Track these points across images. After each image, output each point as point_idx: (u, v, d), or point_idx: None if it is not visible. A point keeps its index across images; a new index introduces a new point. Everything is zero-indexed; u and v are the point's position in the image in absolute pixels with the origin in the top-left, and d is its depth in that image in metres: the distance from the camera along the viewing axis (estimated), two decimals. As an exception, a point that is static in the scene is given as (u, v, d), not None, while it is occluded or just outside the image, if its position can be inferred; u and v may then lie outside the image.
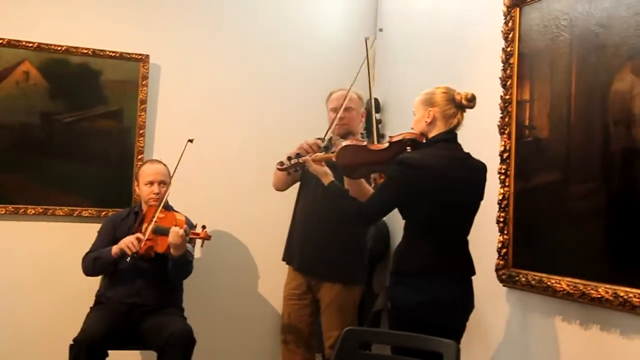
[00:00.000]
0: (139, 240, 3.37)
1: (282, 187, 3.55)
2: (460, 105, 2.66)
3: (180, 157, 3.45)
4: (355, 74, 3.30)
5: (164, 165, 3.69)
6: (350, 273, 3.42)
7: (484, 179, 2.76)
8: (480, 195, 2.74)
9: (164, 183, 3.61)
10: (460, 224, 2.70)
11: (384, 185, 2.70)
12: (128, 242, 3.37)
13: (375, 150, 2.81)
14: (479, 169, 2.75)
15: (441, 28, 3.84)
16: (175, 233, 3.27)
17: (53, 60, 3.94)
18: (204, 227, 3.33)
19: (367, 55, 3.27)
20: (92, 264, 3.50)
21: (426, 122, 2.69)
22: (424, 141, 2.71)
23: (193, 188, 4.11)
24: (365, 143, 2.88)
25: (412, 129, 2.78)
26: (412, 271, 2.61)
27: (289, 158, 3.07)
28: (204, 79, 4.28)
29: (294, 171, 3.15)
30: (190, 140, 3.42)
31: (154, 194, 3.57)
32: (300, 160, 3.00)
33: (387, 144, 2.78)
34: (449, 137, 2.68)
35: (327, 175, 2.85)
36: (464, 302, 2.69)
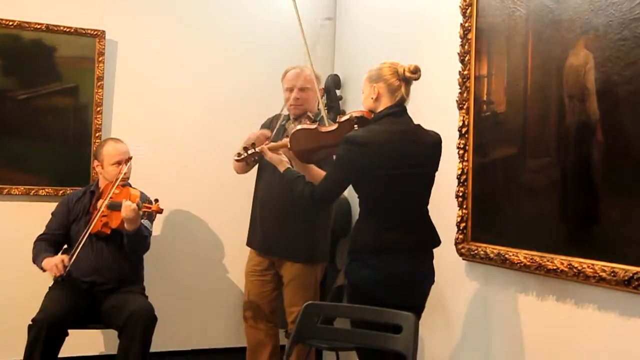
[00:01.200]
0: (63, 263, 3.30)
1: (242, 172, 3.54)
2: (404, 77, 2.65)
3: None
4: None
5: (124, 143, 3.66)
6: (311, 252, 3.43)
7: (437, 150, 2.73)
8: (433, 167, 2.72)
9: (129, 160, 3.60)
10: (412, 198, 2.66)
11: (333, 165, 2.69)
12: (52, 265, 3.31)
13: (325, 133, 2.81)
14: (431, 141, 2.71)
15: (400, 3, 3.84)
16: (128, 207, 3.25)
17: (5, 35, 3.84)
18: (156, 200, 3.33)
19: (297, 13, 3.18)
20: (33, 260, 3.49)
21: (372, 98, 2.68)
22: (371, 117, 2.70)
23: (154, 165, 4.08)
24: (315, 126, 2.88)
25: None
26: (365, 249, 2.61)
27: (245, 149, 3.09)
28: (161, 55, 4.23)
29: (252, 161, 3.18)
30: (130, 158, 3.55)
31: (122, 172, 3.55)
32: (257, 149, 3.03)
33: (336, 125, 2.78)
34: (396, 110, 2.65)
35: (282, 163, 2.85)
36: (420, 279, 2.67)
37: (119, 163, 3.56)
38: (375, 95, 2.66)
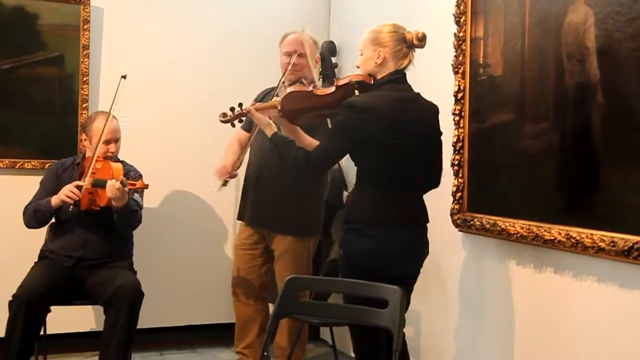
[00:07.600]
0: (78, 187, 3.23)
1: (240, 155, 3.38)
2: (411, 45, 2.56)
3: (116, 94, 3.29)
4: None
5: (116, 119, 3.50)
6: (302, 225, 3.32)
7: (437, 121, 2.64)
8: (434, 138, 2.63)
9: (119, 139, 3.48)
10: (413, 168, 2.54)
11: (332, 131, 2.58)
12: (67, 192, 3.23)
13: (321, 95, 2.70)
14: (430, 111, 2.63)
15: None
16: (112, 186, 3.12)
17: (-16, 3, 3.72)
18: (140, 176, 3.22)
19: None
20: (32, 217, 3.36)
21: (376, 62, 2.56)
22: (372, 82, 2.58)
23: (142, 137, 3.98)
24: (310, 88, 2.76)
25: (357, 67, 2.65)
26: (362, 220, 2.50)
27: (232, 109, 2.94)
28: (149, 22, 4.10)
29: (239, 122, 3.04)
30: (124, 77, 3.26)
31: (110, 152, 3.43)
32: (244, 110, 2.87)
33: (333, 88, 2.66)
34: (398, 77, 2.55)
35: (270, 127, 2.71)
36: (415, 250, 2.58)
37: (108, 142, 3.42)
38: (381, 61, 2.54)
